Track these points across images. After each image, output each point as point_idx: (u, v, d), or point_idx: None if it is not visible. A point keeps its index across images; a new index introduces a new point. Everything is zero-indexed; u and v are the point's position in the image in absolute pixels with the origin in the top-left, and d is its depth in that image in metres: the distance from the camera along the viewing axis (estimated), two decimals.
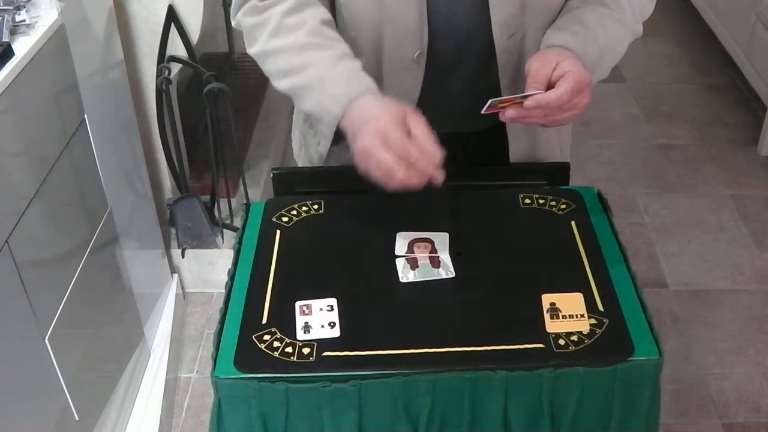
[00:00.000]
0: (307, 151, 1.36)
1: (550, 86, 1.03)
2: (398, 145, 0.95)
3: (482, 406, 0.94)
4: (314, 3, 1.14)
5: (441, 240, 1.11)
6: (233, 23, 1.19)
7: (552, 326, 0.97)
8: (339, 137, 1.09)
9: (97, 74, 1.69)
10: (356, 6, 1.13)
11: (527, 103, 1.02)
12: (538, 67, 1.04)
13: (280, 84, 1.13)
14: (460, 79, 1.20)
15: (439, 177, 0.96)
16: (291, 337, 0.96)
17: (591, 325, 0.97)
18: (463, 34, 1.14)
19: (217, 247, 2.24)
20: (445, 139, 1.23)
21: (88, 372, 1.60)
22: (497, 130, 1.24)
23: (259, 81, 2.59)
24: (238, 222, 2.14)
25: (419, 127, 0.98)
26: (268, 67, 1.14)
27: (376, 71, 1.18)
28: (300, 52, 1.10)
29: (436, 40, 1.15)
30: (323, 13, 1.14)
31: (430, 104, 1.19)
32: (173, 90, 2.01)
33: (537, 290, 1.01)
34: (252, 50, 1.16)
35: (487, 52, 1.15)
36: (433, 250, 1.09)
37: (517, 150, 1.25)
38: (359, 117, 1.02)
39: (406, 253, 1.09)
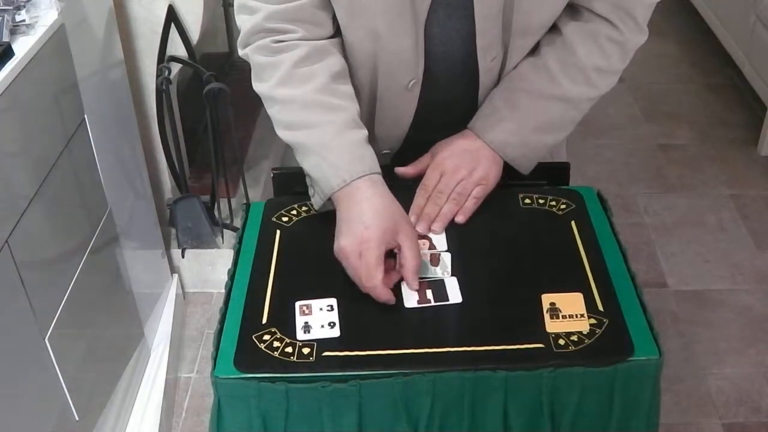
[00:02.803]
0: None
1: None
2: (370, 269, 0.99)
3: (482, 406, 0.94)
4: (330, 52, 1.11)
5: (439, 236, 1.11)
6: (240, 52, 1.15)
7: (552, 326, 0.97)
8: None
9: (97, 74, 1.69)
10: (350, 37, 1.12)
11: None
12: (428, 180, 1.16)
13: (281, 133, 1.12)
14: (451, 101, 1.21)
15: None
16: (291, 337, 0.96)
17: (591, 325, 0.97)
18: (459, 60, 1.15)
19: (217, 247, 2.24)
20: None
21: (88, 372, 1.60)
22: None
23: None
24: (238, 222, 2.14)
25: (407, 246, 1.02)
26: (272, 112, 1.13)
27: (371, 96, 1.19)
28: (306, 110, 1.08)
29: (432, 68, 1.15)
30: (337, 63, 1.11)
31: (423, 125, 1.22)
32: (173, 90, 2.01)
33: (537, 290, 1.01)
34: (257, 88, 1.14)
35: (474, 74, 1.17)
36: (432, 246, 1.09)
37: None
38: (352, 205, 1.04)
39: None
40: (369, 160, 1.07)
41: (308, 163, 1.09)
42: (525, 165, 1.19)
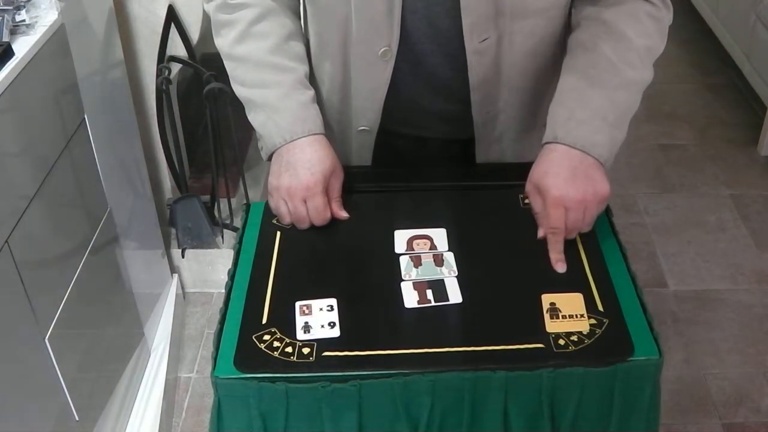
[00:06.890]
0: None
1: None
2: (319, 213, 1.12)
3: (482, 406, 0.94)
4: (283, 12, 1.18)
5: (439, 235, 1.11)
6: (205, 7, 1.22)
7: (552, 326, 0.97)
8: None
9: (97, 74, 1.69)
10: (323, 0, 1.14)
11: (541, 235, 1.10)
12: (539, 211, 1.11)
13: (235, 88, 1.20)
14: (431, 78, 1.19)
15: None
16: (291, 337, 0.96)
17: (591, 325, 0.97)
18: (441, 35, 1.13)
19: (217, 247, 2.24)
20: (412, 142, 1.24)
21: (88, 372, 1.60)
22: (468, 142, 1.26)
23: None
24: (238, 222, 2.14)
25: (335, 191, 1.15)
26: (228, 68, 1.20)
27: (344, 65, 1.18)
28: (258, 70, 1.16)
29: (411, 40, 1.14)
30: (289, 23, 1.18)
31: (399, 101, 1.20)
32: (173, 90, 2.01)
33: (537, 290, 1.01)
34: (217, 43, 1.21)
35: (460, 52, 1.14)
36: (433, 246, 1.09)
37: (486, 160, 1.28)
38: (293, 156, 1.12)
39: (407, 250, 1.09)
40: (310, 122, 1.14)
41: (256, 120, 1.17)
42: (610, 163, 1.11)
